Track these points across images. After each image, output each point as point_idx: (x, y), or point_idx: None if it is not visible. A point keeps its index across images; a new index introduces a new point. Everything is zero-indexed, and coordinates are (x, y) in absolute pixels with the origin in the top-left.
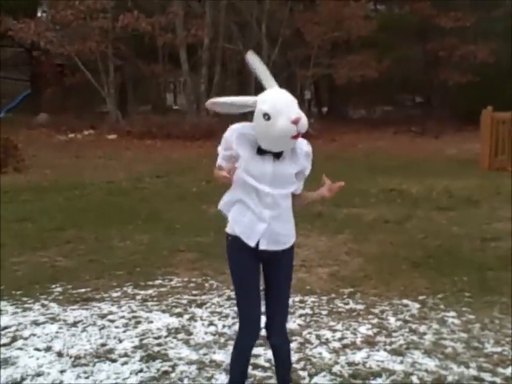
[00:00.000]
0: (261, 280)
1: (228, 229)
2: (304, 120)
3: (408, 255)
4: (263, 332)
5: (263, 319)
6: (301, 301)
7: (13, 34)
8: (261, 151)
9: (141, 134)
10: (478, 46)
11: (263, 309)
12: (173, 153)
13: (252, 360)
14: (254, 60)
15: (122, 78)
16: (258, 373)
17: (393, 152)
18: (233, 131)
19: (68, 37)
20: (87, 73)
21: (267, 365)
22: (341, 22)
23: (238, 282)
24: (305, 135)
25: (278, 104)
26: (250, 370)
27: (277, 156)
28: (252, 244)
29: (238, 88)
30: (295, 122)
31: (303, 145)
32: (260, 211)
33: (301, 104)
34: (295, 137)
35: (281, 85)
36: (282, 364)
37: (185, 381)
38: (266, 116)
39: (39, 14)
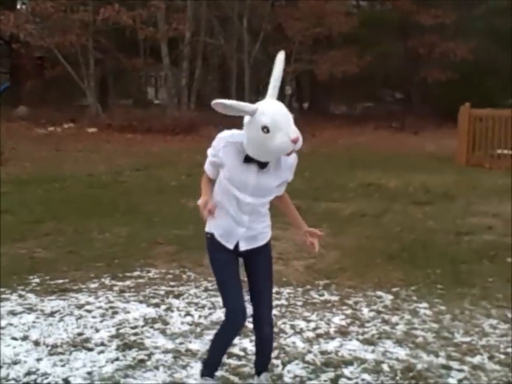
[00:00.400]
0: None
1: (207, 229)
2: (301, 139)
3: (383, 248)
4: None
5: (249, 312)
6: (277, 292)
7: None
8: (247, 160)
9: (122, 127)
10: (458, 44)
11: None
12: (154, 147)
13: (227, 349)
14: (280, 62)
15: (103, 71)
16: (233, 362)
17: (373, 148)
18: (220, 140)
19: (48, 30)
20: (67, 66)
21: (241, 353)
22: (322, 18)
23: (220, 277)
24: None
25: (278, 119)
26: (225, 359)
27: (262, 166)
28: (230, 246)
29: (219, 83)
30: (294, 141)
31: (289, 158)
32: (239, 217)
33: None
34: (289, 154)
35: (262, 81)
36: (267, 350)
37: (161, 369)
38: (266, 129)
39: (18, 6)
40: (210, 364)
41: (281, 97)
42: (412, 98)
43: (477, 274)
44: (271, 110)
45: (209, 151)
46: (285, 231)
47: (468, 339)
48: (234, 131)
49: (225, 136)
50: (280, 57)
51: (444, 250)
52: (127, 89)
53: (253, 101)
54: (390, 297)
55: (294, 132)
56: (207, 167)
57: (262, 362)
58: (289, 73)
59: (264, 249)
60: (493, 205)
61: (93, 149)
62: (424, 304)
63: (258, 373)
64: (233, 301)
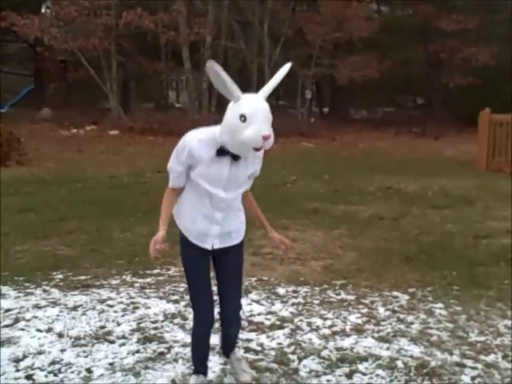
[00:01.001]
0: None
1: (181, 229)
2: (271, 140)
3: (401, 250)
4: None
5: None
6: (294, 291)
7: (17, 29)
8: (219, 153)
9: (143, 130)
10: (480, 49)
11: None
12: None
13: (244, 344)
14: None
15: (125, 75)
16: (250, 356)
17: (393, 152)
18: (192, 140)
19: (71, 33)
20: (90, 70)
21: (259, 348)
22: (342, 23)
23: (191, 275)
24: (307, 134)
25: (257, 113)
26: (242, 353)
27: (235, 158)
28: (208, 247)
29: (239, 87)
30: (265, 138)
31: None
32: (212, 215)
33: (302, 104)
34: (257, 149)
35: (283, 84)
36: (232, 341)
37: (180, 361)
38: (243, 118)
39: (43, 10)
40: (196, 363)
41: (301, 101)
42: (433, 103)
43: (494, 276)
44: (254, 103)
45: (175, 160)
46: (303, 232)
47: (482, 338)
48: (200, 129)
49: (194, 136)
50: (286, 66)
51: (462, 253)
52: (149, 92)
53: (273, 105)
54: (406, 297)
55: (267, 129)
56: (175, 179)
57: (227, 347)
58: (309, 78)
59: (236, 249)
60: None
61: (115, 151)
62: (440, 305)
63: (226, 354)
64: (202, 304)
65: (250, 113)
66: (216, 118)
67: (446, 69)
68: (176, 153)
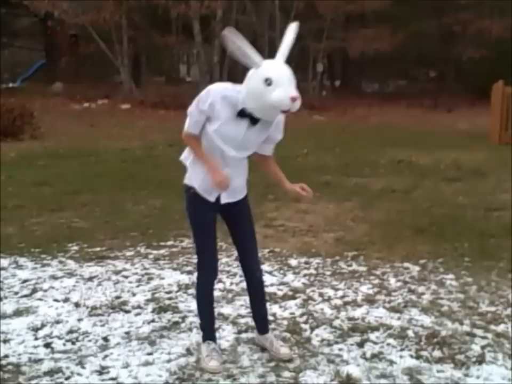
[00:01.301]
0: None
1: (187, 181)
2: (299, 102)
3: (412, 222)
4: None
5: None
6: (306, 262)
7: (28, 4)
8: (240, 114)
9: (154, 104)
10: (493, 21)
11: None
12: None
13: None
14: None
15: (136, 48)
16: None
17: (405, 126)
18: (216, 92)
19: (82, 7)
20: (101, 44)
21: (271, 318)
22: None
23: (198, 231)
24: (318, 107)
25: (283, 75)
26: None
27: (254, 122)
28: (212, 199)
29: None
30: (293, 100)
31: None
32: (221, 170)
33: (313, 77)
34: (285, 112)
35: (294, 58)
36: (261, 297)
37: (194, 330)
38: (268, 81)
39: None
40: (205, 326)
41: (312, 74)
42: (446, 76)
43: (505, 248)
44: (277, 66)
45: (194, 108)
46: (315, 205)
47: (492, 309)
48: (227, 85)
49: (220, 90)
50: (293, 26)
51: (473, 225)
52: (160, 66)
53: None
54: (417, 268)
55: (294, 91)
56: (192, 125)
57: (263, 316)
58: (320, 51)
59: (242, 201)
60: None
61: (127, 124)
62: (451, 276)
63: (264, 331)
64: (207, 255)
65: (275, 76)
66: None
67: (459, 42)
68: (199, 100)
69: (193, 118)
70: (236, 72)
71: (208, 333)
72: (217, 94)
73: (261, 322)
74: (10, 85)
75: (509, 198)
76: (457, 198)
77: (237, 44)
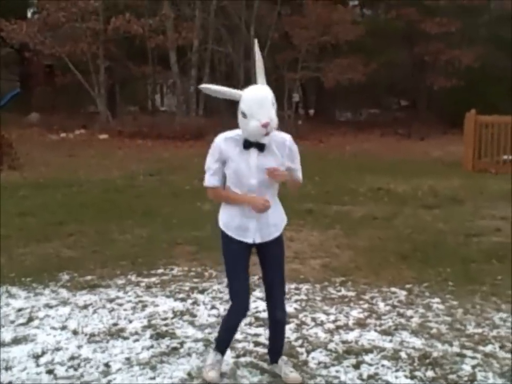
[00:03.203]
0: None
1: (221, 225)
2: (273, 123)
3: (396, 248)
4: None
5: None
6: (296, 288)
7: (4, 35)
8: (246, 146)
9: (132, 134)
10: (463, 51)
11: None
12: (164, 153)
13: (254, 339)
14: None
15: (112, 78)
16: (261, 349)
17: (380, 154)
18: (219, 140)
19: (59, 39)
20: (77, 74)
21: (267, 342)
22: (328, 26)
23: (230, 267)
24: (294, 136)
25: (252, 105)
26: (252, 347)
27: (261, 149)
28: (249, 241)
29: None
30: (265, 126)
31: (285, 139)
32: (248, 209)
33: (289, 107)
34: (266, 134)
35: (271, 87)
36: (280, 337)
37: (193, 356)
38: (243, 114)
39: (29, 15)
40: (220, 342)
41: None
42: (418, 105)
43: (487, 273)
44: (248, 97)
45: (209, 161)
46: (299, 232)
47: (479, 330)
48: (227, 131)
49: (221, 136)
50: (256, 44)
51: (454, 250)
52: (134, 96)
53: None
54: (404, 293)
55: (264, 117)
56: (210, 178)
57: (276, 350)
58: (296, 81)
59: (277, 240)
60: (500, 208)
61: (106, 155)
62: (437, 299)
63: (274, 361)
64: (239, 295)
65: (247, 108)
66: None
67: (430, 71)
68: (210, 153)
69: (210, 171)
70: (212, 101)
71: (221, 345)
72: (220, 139)
73: (273, 355)
74: None
75: (487, 224)
76: (437, 225)
77: (214, 90)
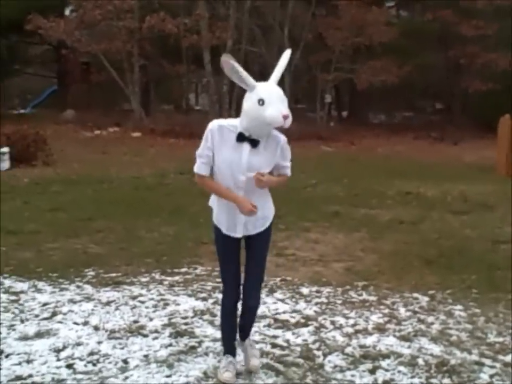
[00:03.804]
0: None
1: (214, 221)
2: (290, 119)
3: (421, 253)
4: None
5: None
6: (317, 291)
7: (43, 32)
8: (239, 139)
9: (165, 132)
10: (499, 55)
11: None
12: (196, 152)
13: (271, 340)
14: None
15: (146, 77)
16: (277, 351)
17: (412, 157)
18: (213, 127)
19: (95, 36)
20: (112, 72)
21: (285, 344)
22: (362, 28)
23: (222, 259)
24: (326, 138)
25: (273, 95)
26: (269, 348)
27: (253, 145)
28: (238, 235)
29: None
30: (285, 117)
31: (280, 139)
32: (235, 207)
33: (321, 108)
34: (277, 128)
35: (303, 88)
36: (249, 317)
37: (210, 355)
38: (261, 102)
39: (67, 13)
40: (224, 341)
41: (320, 105)
42: (452, 108)
43: None
44: (269, 88)
45: (202, 147)
46: (325, 235)
47: (500, 339)
48: (222, 119)
49: (215, 123)
50: (287, 53)
51: (480, 257)
52: (168, 95)
53: (292, 109)
54: (426, 299)
55: (286, 110)
56: (201, 165)
57: (244, 328)
58: (328, 82)
59: (262, 234)
60: None
61: (138, 152)
62: (459, 307)
63: (242, 339)
64: (230, 278)
65: (267, 96)
66: None
67: (465, 74)
68: (204, 138)
69: (202, 159)
70: None
71: (227, 347)
72: (214, 126)
73: (242, 333)
74: (21, 111)
75: None
76: (465, 230)
77: (235, 67)
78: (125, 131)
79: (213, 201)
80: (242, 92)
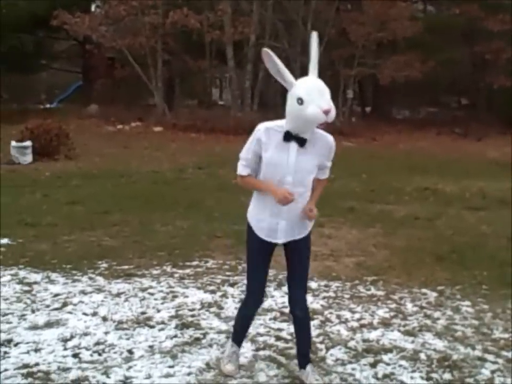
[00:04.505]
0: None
1: (249, 218)
2: (333, 112)
3: (433, 249)
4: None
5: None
6: (326, 285)
7: (68, 28)
8: (286, 138)
9: (186, 127)
10: None
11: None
12: (216, 147)
13: (276, 333)
14: (314, 41)
15: (170, 72)
16: (281, 344)
17: (434, 153)
18: (261, 128)
19: (119, 32)
20: (136, 67)
21: (289, 337)
22: (386, 23)
23: (252, 261)
24: (348, 133)
25: (312, 91)
26: (273, 341)
27: (301, 144)
28: (279, 241)
29: (282, 85)
30: (326, 112)
31: (328, 139)
32: (278, 209)
33: (344, 103)
34: (322, 124)
35: (326, 84)
36: (305, 335)
37: (214, 347)
38: (300, 100)
39: (92, 9)
40: (235, 332)
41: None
42: (477, 104)
43: None
44: (306, 84)
45: (246, 150)
46: (339, 230)
47: (506, 335)
48: (270, 121)
49: (263, 125)
50: (314, 37)
51: (494, 253)
52: (193, 90)
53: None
54: (435, 294)
55: (326, 104)
56: (242, 167)
57: (303, 352)
58: (351, 77)
59: (302, 242)
60: None
61: (159, 147)
62: (467, 302)
63: (302, 366)
64: (254, 288)
65: (305, 94)
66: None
67: (490, 70)
68: (249, 141)
69: (244, 161)
70: (267, 96)
71: (236, 336)
72: (261, 128)
73: (301, 358)
74: (48, 105)
75: None
76: (481, 227)
77: (274, 61)
78: (147, 126)
79: (252, 203)
80: (265, 87)
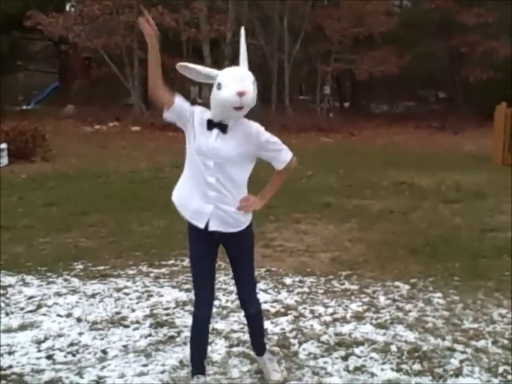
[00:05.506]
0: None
1: (174, 199)
2: (249, 95)
3: (407, 243)
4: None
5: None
6: (300, 281)
7: (42, 28)
8: (209, 126)
9: (164, 126)
10: (500, 43)
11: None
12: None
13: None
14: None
15: (147, 71)
16: None
17: (411, 147)
18: (197, 109)
19: (94, 31)
20: (113, 66)
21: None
22: (362, 18)
23: (193, 269)
24: (326, 129)
25: (230, 77)
26: (247, 337)
27: (223, 130)
28: (201, 225)
29: (260, 82)
30: (240, 94)
31: (252, 127)
32: (205, 192)
33: (322, 99)
34: (238, 108)
35: (302, 80)
36: (257, 331)
37: (188, 345)
38: (219, 85)
39: (67, 9)
40: (195, 358)
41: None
42: (454, 98)
43: (495, 268)
44: (229, 71)
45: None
46: (315, 226)
47: (475, 325)
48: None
49: (199, 108)
50: (242, 32)
51: (467, 245)
52: (170, 88)
53: (295, 100)
54: (407, 287)
55: (241, 86)
56: (176, 97)
57: (258, 343)
58: (328, 73)
59: (242, 239)
60: None
61: (136, 146)
62: (439, 294)
63: (259, 354)
64: (200, 285)
65: (224, 79)
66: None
67: (466, 63)
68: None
69: (180, 98)
70: None
71: (197, 366)
72: (196, 108)
73: (257, 349)
74: (24, 107)
75: (505, 219)
76: (455, 220)
77: (193, 69)
78: (124, 125)
79: (180, 185)
80: None
